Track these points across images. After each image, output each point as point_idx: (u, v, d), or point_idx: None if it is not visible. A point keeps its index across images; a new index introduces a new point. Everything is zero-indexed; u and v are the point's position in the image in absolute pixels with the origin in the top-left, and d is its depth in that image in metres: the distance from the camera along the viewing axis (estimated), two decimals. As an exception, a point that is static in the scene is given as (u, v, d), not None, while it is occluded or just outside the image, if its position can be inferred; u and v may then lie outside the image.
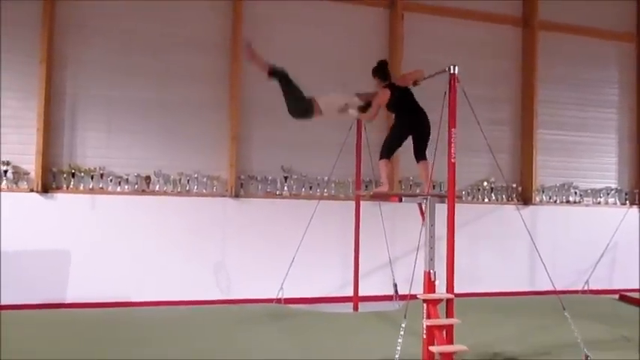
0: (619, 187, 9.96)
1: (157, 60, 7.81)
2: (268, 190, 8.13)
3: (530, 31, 9.41)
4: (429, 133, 5.63)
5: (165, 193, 7.71)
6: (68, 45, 7.52)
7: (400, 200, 5.49)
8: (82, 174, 7.45)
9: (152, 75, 7.79)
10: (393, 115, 5.94)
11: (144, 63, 7.76)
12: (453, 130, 4.74)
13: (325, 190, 8.23)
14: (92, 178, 7.48)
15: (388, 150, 5.77)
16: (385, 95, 5.73)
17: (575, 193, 9.62)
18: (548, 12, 9.50)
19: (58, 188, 7.36)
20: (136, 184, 7.67)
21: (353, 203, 7.47)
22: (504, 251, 8.88)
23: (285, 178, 8.16)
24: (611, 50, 10.12)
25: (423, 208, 5.06)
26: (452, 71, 4.86)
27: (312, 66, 8.28)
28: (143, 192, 7.65)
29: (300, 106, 5.96)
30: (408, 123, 5.69)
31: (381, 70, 5.97)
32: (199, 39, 8.00)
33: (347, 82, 8.29)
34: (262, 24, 8.19)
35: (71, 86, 7.53)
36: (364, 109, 6.04)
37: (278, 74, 5.94)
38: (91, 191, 7.44)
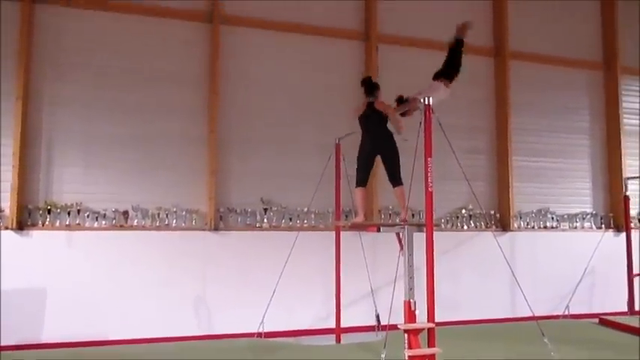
0: (594, 212, 10.15)
1: (134, 94, 7.82)
2: (248, 222, 8.11)
3: (502, 61, 9.67)
4: (392, 156, 5.70)
5: (143, 228, 7.63)
6: (44, 81, 7.49)
7: (378, 230, 5.52)
8: (59, 210, 7.35)
9: (129, 109, 7.79)
10: None
11: (120, 98, 7.76)
12: (429, 159, 4.82)
13: (305, 221, 8.24)
14: (69, 214, 7.38)
15: (359, 176, 5.85)
16: (357, 109, 6.05)
17: (552, 218, 9.78)
18: (518, 42, 9.81)
19: (34, 225, 7.24)
20: (114, 219, 7.59)
21: (333, 233, 7.47)
22: (485, 278, 8.93)
23: (265, 209, 8.15)
24: (581, 78, 10.44)
25: (401, 237, 5.09)
26: (426, 102, 4.96)
27: (288, 97, 8.42)
28: (121, 227, 7.57)
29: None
30: (369, 141, 5.80)
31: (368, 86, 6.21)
32: (176, 73, 8.04)
33: (322, 111, 8.45)
34: (239, 56, 8.30)
35: (47, 122, 7.48)
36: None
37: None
38: (68, 227, 7.34)
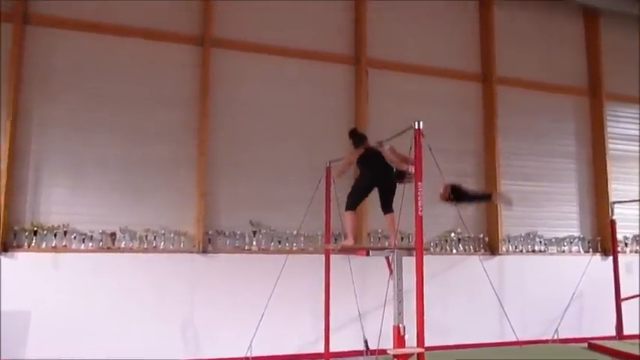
0: (582, 236, 10.21)
1: (124, 116, 7.81)
2: (237, 245, 8.06)
3: (490, 86, 9.81)
4: (393, 189, 5.75)
5: (131, 250, 7.56)
6: (34, 102, 7.47)
7: (368, 254, 5.51)
8: (45, 232, 7.26)
9: (119, 131, 7.77)
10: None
11: (110, 119, 7.75)
12: (419, 183, 4.85)
13: (294, 244, 8.20)
14: (55, 235, 7.29)
15: (353, 201, 5.86)
16: (357, 153, 6.01)
17: (540, 242, 9.82)
18: (506, 68, 9.97)
19: (20, 247, 7.14)
20: (101, 241, 7.51)
21: (323, 257, 7.44)
22: (474, 302, 8.89)
23: (254, 232, 8.11)
24: (567, 104, 10.61)
25: (391, 261, 5.09)
26: (417, 127, 5.00)
27: (278, 120, 8.46)
28: (108, 249, 7.49)
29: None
30: (373, 176, 5.82)
31: (355, 138, 6.30)
32: (166, 95, 8.05)
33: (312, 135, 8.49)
34: (230, 79, 8.35)
35: (36, 143, 7.44)
36: None
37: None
38: (54, 249, 7.24)
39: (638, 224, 10.49)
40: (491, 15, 9.98)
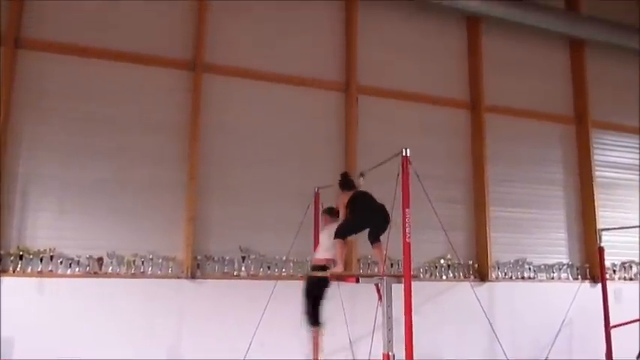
0: (570, 262, 10.25)
1: (114, 140, 7.78)
2: (226, 270, 7.99)
3: (478, 114, 9.93)
4: (387, 227, 5.76)
5: (118, 275, 7.47)
6: (24, 126, 7.43)
7: (357, 281, 5.49)
8: (31, 256, 7.17)
9: (108, 155, 7.74)
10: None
11: (100, 143, 7.72)
12: (407, 210, 4.87)
13: (284, 270, 8.16)
14: (41, 260, 7.20)
15: (344, 233, 5.84)
16: (345, 197, 6.04)
17: (530, 268, 9.84)
18: (493, 96, 10.11)
19: (4, 271, 7.03)
20: (88, 265, 7.42)
21: (312, 283, 7.40)
22: (465, 329, 8.85)
23: (243, 258, 8.06)
24: (554, 131, 10.76)
25: (380, 288, 5.08)
26: (404, 154, 5.05)
27: (268, 145, 8.48)
28: (95, 274, 7.40)
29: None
30: (368, 219, 5.84)
31: (345, 182, 6.30)
32: (156, 119, 8.04)
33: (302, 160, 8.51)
34: (220, 104, 8.37)
35: (24, 166, 7.38)
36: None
37: None
38: (40, 274, 7.14)
39: (625, 251, 10.57)
40: (479, 44, 10.16)
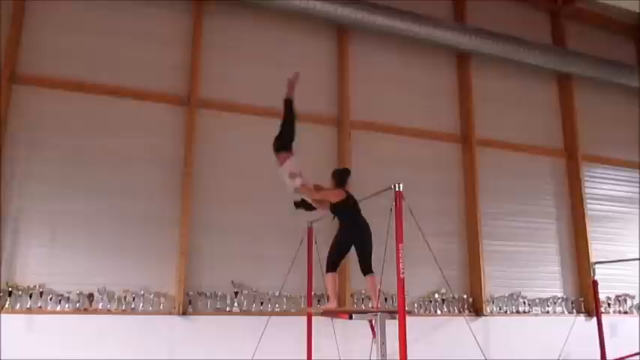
0: (565, 296, 10.22)
1: (107, 174, 7.77)
2: (218, 306, 7.89)
3: (469, 147, 10.02)
4: (370, 245, 5.72)
5: (108, 312, 7.36)
6: (17, 160, 7.41)
7: (350, 317, 5.43)
8: (20, 292, 7.06)
9: (100, 189, 7.70)
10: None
11: (93, 177, 7.70)
12: (400, 245, 4.85)
13: (277, 306, 8.07)
14: (31, 296, 7.09)
15: (333, 261, 5.77)
16: (339, 194, 5.87)
17: (524, 302, 9.79)
18: (485, 130, 10.24)
19: (-7, 308, 6.92)
20: (78, 302, 7.31)
21: (305, 318, 7.32)
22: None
23: (236, 293, 7.98)
24: (545, 165, 10.87)
25: (374, 324, 5.02)
26: (397, 188, 5.06)
27: (261, 180, 8.44)
28: (85, 311, 7.28)
29: (283, 141, 6.39)
30: (349, 233, 5.77)
31: (341, 176, 6.11)
32: (150, 154, 8.06)
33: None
34: (214, 138, 8.42)
35: (16, 201, 7.33)
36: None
37: (290, 103, 6.56)
38: (29, 311, 7.02)
39: (620, 284, 10.56)
40: (469, 79, 10.34)
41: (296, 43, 9.33)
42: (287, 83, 6.58)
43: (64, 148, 7.68)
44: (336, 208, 5.93)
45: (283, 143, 6.37)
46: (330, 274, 5.74)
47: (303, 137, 8.92)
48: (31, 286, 7.14)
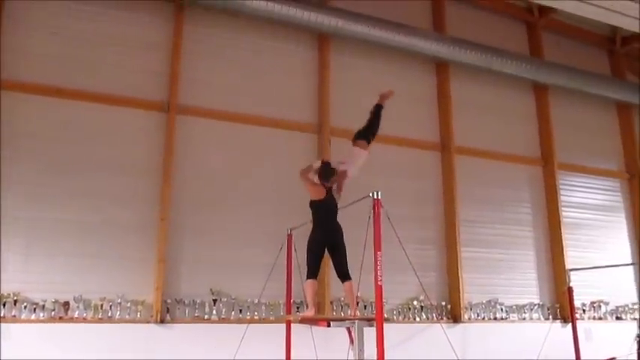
0: (541, 302, 10.35)
1: (83, 182, 7.66)
2: (196, 314, 7.83)
3: (448, 156, 10.13)
4: (344, 250, 5.73)
5: (84, 320, 7.24)
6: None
7: (328, 325, 5.44)
8: (-6, 301, 6.94)
9: (77, 196, 7.60)
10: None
11: (70, 184, 7.60)
12: (378, 253, 4.89)
13: (255, 313, 8.04)
14: (4, 305, 6.96)
15: (312, 266, 5.77)
16: (319, 192, 5.93)
17: (502, 309, 9.89)
18: (463, 138, 10.35)
19: (-35, 317, 6.78)
20: (53, 310, 7.19)
21: (284, 325, 7.30)
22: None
23: (214, 301, 7.92)
24: (522, 173, 11.04)
25: (352, 331, 5.04)
26: (375, 196, 5.10)
27: (241, 186, 8.48)
28: (60, 319, 7.16)
29: (364, 133, 6.83)
30: (315, 233, 5.81)
31: (325, 173, 6.09)
32: (128, 160, 7.98)
33: (274, 202, 8.50)
34: (193, 145, 8.38)
35: (-10, 208, 7.22)
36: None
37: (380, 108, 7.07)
38: (3, 319, 6.87)
39: (594, 290, 10.73)
40: (447, 87, 10.47)
41: (276, 51, 9.36)
42: (380, 95, 7.21)
43: (40, 154, 7.57)
44: (312, 205, 5.95)
45: (364, 134, 6.76)
46: (308, 281, 5.75)
47: (284, 144, 9.02)
48: (5, 294, 7.00)
